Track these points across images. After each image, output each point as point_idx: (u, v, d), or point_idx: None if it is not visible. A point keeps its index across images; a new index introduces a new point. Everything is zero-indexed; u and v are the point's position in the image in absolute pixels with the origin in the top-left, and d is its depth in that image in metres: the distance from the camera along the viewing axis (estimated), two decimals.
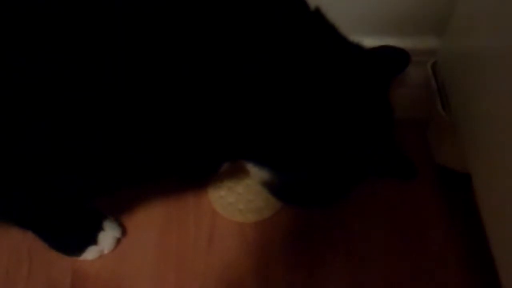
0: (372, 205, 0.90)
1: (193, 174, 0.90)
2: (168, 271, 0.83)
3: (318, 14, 0.64)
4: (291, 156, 0.66)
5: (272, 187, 0.76)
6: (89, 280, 0.82)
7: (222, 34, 0.55)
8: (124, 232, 0.85)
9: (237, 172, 0.90)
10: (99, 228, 0.83)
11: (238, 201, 0.89)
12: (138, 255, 0.84)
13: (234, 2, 0.56)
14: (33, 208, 0.70)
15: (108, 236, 0.83)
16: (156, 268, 0.83)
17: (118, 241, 0.84)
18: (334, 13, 0.80)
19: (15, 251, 0.83)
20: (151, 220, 0.87)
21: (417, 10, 0.82)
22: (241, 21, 0.56)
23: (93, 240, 0.82)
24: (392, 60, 0.77)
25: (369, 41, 0.77)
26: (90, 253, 0.82)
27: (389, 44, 0.85)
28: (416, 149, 0.95)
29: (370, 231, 0.88)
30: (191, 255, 0.84)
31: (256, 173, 0.74)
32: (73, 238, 0.83)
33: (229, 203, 0.89)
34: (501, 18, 0.65)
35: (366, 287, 0.83)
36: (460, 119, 0.76)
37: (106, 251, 0.83)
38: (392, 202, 0.90)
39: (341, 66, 0.64)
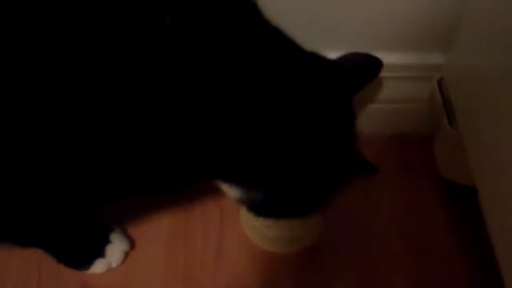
0: (379, 219, 0.93)
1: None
2: (175, 284, 0.85)
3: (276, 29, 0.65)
4: (256, 171, 0.68)
5: (248, 204, 0.77)
6: None
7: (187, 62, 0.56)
8: (132, 245, 0.87)
9: None
10: (106, 241, 0.85)
11: (272, 231, 0.89)
12: (146, 268, 0.86)
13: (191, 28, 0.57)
14: (39, 222, 0.71)
15: (116, 249, 0.85)
16: (163, 281, 0.85)
17: (126, 254, 0.86)
18: (343, 29, 0.84)
19: (24, 265, 0.85)
20: (158, 233, 0.89)
21: (423, 26, 0.85)
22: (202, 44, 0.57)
23: (101, 253, 0.84)
24: (361, 67, 0.79)
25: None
26: (98, 266, 0.84)
27: (396, 58, 0.89)
28: (422, 163, 0.98)
29: (377, 245, 0.90)
30: (199, 269, 0.86)
31: (229, 191, 0.75)
32: (81, 251, 0.85)
33: (263, 233, 0.89)
34: (506, 34, 0.68)
35: None
36: (466, 133, 0.79)
37: (114, 264, 0.85)
38: (399, 215, 0.93)
39: (299, 78, 0.66)
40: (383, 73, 0.89)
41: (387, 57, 0.88)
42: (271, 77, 0.62)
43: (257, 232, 0.89)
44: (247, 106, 0.60)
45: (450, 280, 0.87)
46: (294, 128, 0.64)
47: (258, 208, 0.77)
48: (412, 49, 0.88)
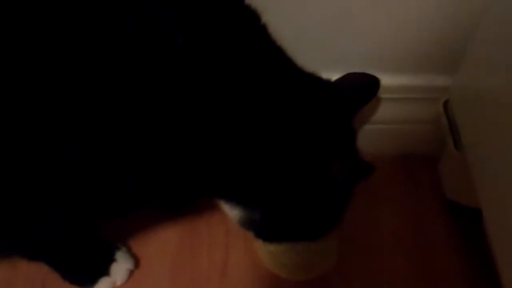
0: (383, 239, 0.94)
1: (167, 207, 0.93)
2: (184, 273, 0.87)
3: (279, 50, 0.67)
4: (254, 190, 0.68)
5: (250, 226, 0.76)
6: None
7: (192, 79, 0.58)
8: (137, 263, 0.88)
9: None
10: (111, 259, 0.86)
11: (288, 257, 0.88)
12: (151, 286, 0.87)
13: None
14: (42, 239, 0.72)
15: (120, 267, 0.86)
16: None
17: (131, 272, 0.87)
18: (351, 51, 0.86)
19: (29, 281, 0.86)
20: (164, 251, 0.90)
21: (430, 48, 0.87)
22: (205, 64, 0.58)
23: (105, 272, 0.85)
24: (359, 87, 0.80)
25: (383, 78, 0.82)
26: (103, 285, 0.85)
27: (403, 80, 0.91)
28: (428, 184, 0.99)
29: (381, 265, 0.91)
30: (205, 286, 0.87)
31: (230, 212, 0.76)
32: (85, 269, 0.85)
33: (279, 259, 0.88)
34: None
35: None
36: (472, 156, 0.80)
37: (118, 283, 0.86)
38: (403, 236, 0.94)
39: (299, 98, 0.67)
40: (390, 95, 0.92)
41: (394, 79, 0.90)
42: (271, 97, 0.63)
43: (272, 258, 0.87)
44: (247, 124, 0.62)
45: None
46: (292, 148, 0.65)
47: (260, 230, 0.77)
48: (419, 71, 0.90)
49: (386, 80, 0.84)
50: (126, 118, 0.56)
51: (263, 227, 0.76)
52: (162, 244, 0.91)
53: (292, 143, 0.65)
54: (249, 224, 0.76)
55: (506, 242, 0.71)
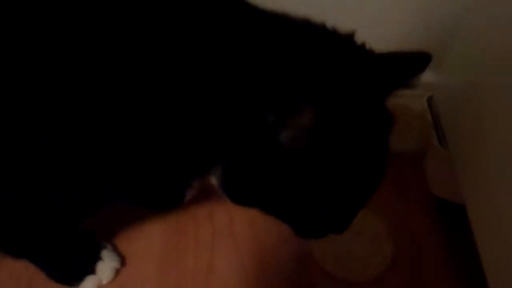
0: None
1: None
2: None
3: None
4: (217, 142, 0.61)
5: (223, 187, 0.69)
6: None
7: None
8: (123, 262, 0.89)
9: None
10: (97, 258, 0.86)
11: (344, 257, 0.91)
12: (137, 285, 0.87)
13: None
14: (27, 236, 0.72)
15: (106, 266, 0.86)
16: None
17: (117, 271, 0.87)
18: None
19: (15, 280, 0.86)
20: (150, 250, 0.90)
21: (414, 45, 0.87)
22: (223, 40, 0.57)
23: (91, 270, 0.85)
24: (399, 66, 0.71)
25: None
26: (89, 284, 0.85)
27: None
28: (414, 181, 1.00)
29: None
30: (191, 286, 0.87)
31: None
32: (71, 268, 0.85)
33: (334, 258, 0.91)
34: (495, 56, 0.71)
35: None
36: (455, 151, 0.81)
37: (104, 282, 0.86)
38: (390, 233, 0.94)
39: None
40: None
41: None
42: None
43: (329, 258, 0.90)
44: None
45: None
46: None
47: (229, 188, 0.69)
48: None
49: None
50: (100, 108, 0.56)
51: (231, 183, 0.67)
52: (149, 242, 0.92)
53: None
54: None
55: (489, 237, 0.72)
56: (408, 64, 0.71)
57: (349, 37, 0.65)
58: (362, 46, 0.66)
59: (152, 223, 0.93)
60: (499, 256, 0.69)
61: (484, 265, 0.72)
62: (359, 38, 0.85)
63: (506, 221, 0.66)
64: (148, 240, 0.92)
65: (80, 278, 0.85)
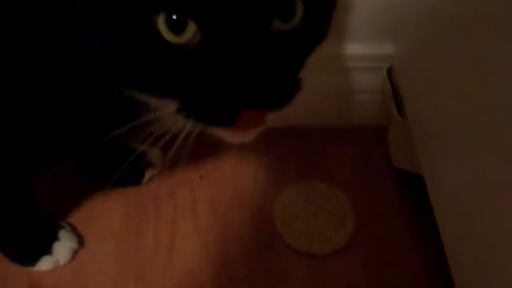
0: None
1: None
2: (127, 281, 0.85)
3: None
4: None
5: None
6: None
7: None
8: (81, 242, 0.87)
9: (307, 202, 0.94)
10: (54, 238, 0.85)
11: (307, 231, 0.91)
12: (96, 265, 0.86)
13: None
14: None
15: (63, 246, 0.85)
16: (115, 279, 0.85)
17: (75, 251, 0.86)
18: None
19: None
20: (109, 230, 0.89)
21: (371, 16, 0.87)
22: None
23: (48, 251, 0.84)
24: None
25: (325, 47, 0.82)
26: (45, 264, 0.84)
27: (347, 49, 0.90)
28: (378, 154, 1.00)
29: None
30: (151, 264, 0.86)
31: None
32: (27, 246, 0.84)
33: (297, 232, 0.91)
34: (448, 25, 0.70)
35: (328, 287, 0.86)
36: (414, 122, 0.81)
37: (61, 262, 0.85)
38: (356, 207, 0.94)
39: None
40: (334, 64, 0.92)
41: (338, 48, 0.90)
42: None
43: (291, 232, 0.90)
44: None
45: (404, 265, 0.88)
46: None
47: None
48: (362, 39, 0.90)
49: (330, 50, 0.84)
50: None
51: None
52: (108, 223, 0.90)
53: None
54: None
55: (445, 207, 0.72)
56: None
57: None
58: None
59: (112, 203, 0.92)
60: (455, 226, 0.69)
61: (441, 231, 0.72)
62: None
63: (462, 191, 0.66)
64: (108, 220, 0.91)
65: (36, 258, 0.84)
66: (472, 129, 0.63)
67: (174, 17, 0.46)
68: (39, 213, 0.85)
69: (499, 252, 0.58)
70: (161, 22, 0.46)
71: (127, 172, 0.90)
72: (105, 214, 0.91)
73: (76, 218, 0.90)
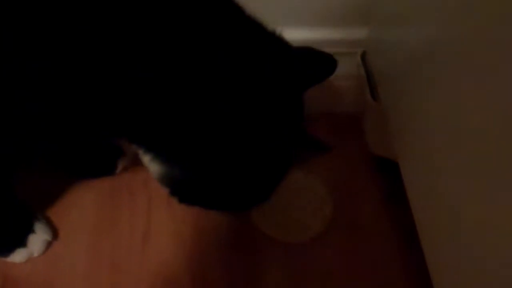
0: None
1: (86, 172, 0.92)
2: (101, 272, 0.85)
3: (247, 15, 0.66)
4: (178, 146, 0.65)
5: (168, 183, 0.73)
6: (20, 284, 0.83)
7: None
8: (55, 234, 0.87)
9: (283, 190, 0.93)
10: (29, 230, 0.84)
11: (283, 219, 0.90)
12: (70, 257, 0.86)
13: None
14: None
15: (38, 238, 0.85)
16: (89, 270, 0.85)
17: (49, 243, 0.86)
18: (263, 5, 0.84)
19: None
20: (83, 221, 0.89)
21: (344, 0, 0.86)
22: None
23: (21, 242, 0.83)
24: (317, 65, 0.78)
25: (299, 33, 0.81)
26: (18, 256, 0.84)
27: (321, 34, 0.90)
28: (353, 140, 1.00)
29: None
30: (125, 255, 0.86)
31: (150, 166, 0.72)
32: (1, 238, 0.84)
33: (273, 221, 0.90)
34: (418, 8, 0.69)
35: (304, 274, 0.86)
36: (388, 107, 0.80)
37: (36, 254, 0.85)
38: (334, 194, 0.94)
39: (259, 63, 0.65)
40: None
41: (311, 33, 0.89)
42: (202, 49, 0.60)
43: (264, 217, 0.90)
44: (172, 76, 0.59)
45: (378, 252, 0.89)
46: (221, 110, 0.62)
47: (177, 189, 0.74)
48: (335, 24, 0.89)
49: (301, 35, 0.83)
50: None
51: (181, 186, 0.73)
52: (82, 214, 0.90)
53: (224, 105, 0.62)
54: (167, 181, 0.73)
55: (419, 192, 0.72)
56: (319, 67, 0.78)
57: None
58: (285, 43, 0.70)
59: (86, 194, 0.92)
60: (428, 212, 0.69)
61: (416, 220, 0.72)
62: None
63: (435, 176, 0.66)
64: (82, 211, 0.90)
65: (9, 249, 0.83)
66: (446, 114, 0.62)
67: None
68: (17, 205, 0.84)
69: (470, 234, 0.58)
70: None
71: (100, 163, 0.90)
72: (79, 205, 0.91)
73: (49, 209, 0.90)
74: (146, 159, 0.71)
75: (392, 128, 0.79)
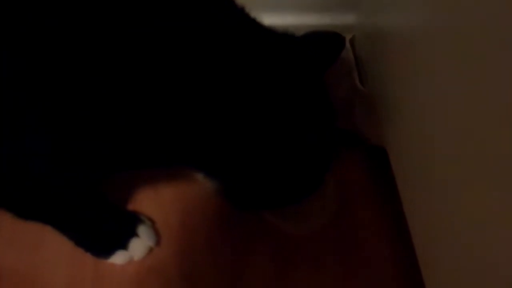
0: None
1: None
2: (85, 258, 0.85)
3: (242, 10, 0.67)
4: (225, 160, 0.67)
5: (227, 195, 0.76)
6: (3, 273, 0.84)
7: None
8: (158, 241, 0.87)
9: None
10: (132, 234, 0.85)
11: (290, 211, 0.88)
12: (55, 243, 0.85)
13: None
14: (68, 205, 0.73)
15: (140, 243, 0.85)
16: (72, 260, 0.85)
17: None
18: None
19: None
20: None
21: None
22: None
23: (123, 245, 0.84)
24: (325, 46, 0.77)
25: (288, 18, 0.81)
26: (118, 258, 0.84)
27: (310, 19, 0.89)
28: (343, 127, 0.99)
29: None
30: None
31: (205, 182, 0.74)
32: (105, 239, 0.84)
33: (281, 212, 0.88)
34: None
35: (294, 268, 0.86)
36: (376, 93, 0.80)
37: (136, 258, 0.85)
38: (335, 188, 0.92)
39: (271, 61, 0.65)
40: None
41: (300, 19, 0.88)
42: (242, 64, 0.61)
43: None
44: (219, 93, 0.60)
45: (374, 246, 0.89)
46: (264, 117, 0.63)
47: (240, 200, 0.76)
48: (325, 9, 0.89)
49: (291, 21, 0.82)
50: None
51: (238, 195, 0.75)
52: None
53: (263, 112, 0.63)
54: (225, 193, 0.75)
55: (407, 179, 0.71)
56: (328, 52, 0.77)
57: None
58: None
59: None
60: (417, 200, 0.69)
61: (404, 209, 0.72)
62: None
63: (424, 164, 0.66)
64: None
65: (110, 252, 0.84)
66: (434, 100, 0.62)
67: None
68: (117, 208, 0.86)
69: (456, 219, 0.58)
70: None
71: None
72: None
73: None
74: (200, 176, 0.74)
75: (380, 114, 0.79)
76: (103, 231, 0.83)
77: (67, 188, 0.73)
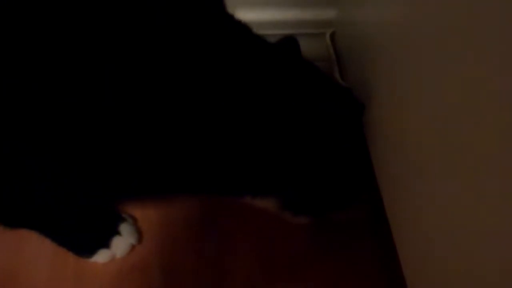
0: None
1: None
2: (66, 257, 0.85)
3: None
4: (273, 177, 0.69)
5: (286, 208, 0.77)
6: None
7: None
8: (140, 238, 0.88)
9: None
10: (113, 232, 0.85)
11: None
12: (36, 242, 0.85)
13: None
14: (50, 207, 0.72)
15: (122, 241, 0.85)
16: (54, 257, 0.85)
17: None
18: None
19: None
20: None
21: None
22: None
23: (105, 244, 0.85)
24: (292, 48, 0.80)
25: (267, 14, 0.81)
26: (101, 257, 0.84)
27: (291, 15, 0.89)
28: None
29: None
30: None
31: (263, 204, 0.75)
32: (87, 239, 0.84)
33: None
34: None
35: (277, 265, 0.87)
36: (356, 88, 0.80)
37: (118, 256, 0.86)
38: None
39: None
40: (278, 31, 0.90)
41: (281, 14, 0.88)
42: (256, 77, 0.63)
43: None
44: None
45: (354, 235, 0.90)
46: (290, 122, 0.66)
47: (299, 208, 0.78)
48: (305, 5, 0.89)
49: (272, 16, 0.82)
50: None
51: (295, 205, 0.77)
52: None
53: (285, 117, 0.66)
54: (284, 207, 0.76)
55: (387, 175, 0.72)
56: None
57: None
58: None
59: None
60: (398, 200, 0.70)
61: (384, 201, 0.72)
62: None
63: (406, 159, 0.66)
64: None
65: (93, 251, 0.84)
66: (415, 94, 0.62)
67: None
68: (103, 207, 0.85)
69: (434, 208, 0.58)
70: None
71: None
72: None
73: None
74: (255, 201, 0.76)
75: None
76: (85, 231, 0.83)
77: (62, 204, 0.74)
